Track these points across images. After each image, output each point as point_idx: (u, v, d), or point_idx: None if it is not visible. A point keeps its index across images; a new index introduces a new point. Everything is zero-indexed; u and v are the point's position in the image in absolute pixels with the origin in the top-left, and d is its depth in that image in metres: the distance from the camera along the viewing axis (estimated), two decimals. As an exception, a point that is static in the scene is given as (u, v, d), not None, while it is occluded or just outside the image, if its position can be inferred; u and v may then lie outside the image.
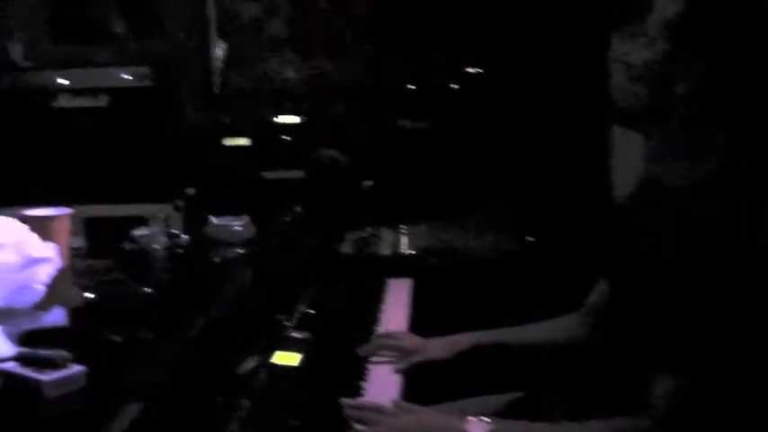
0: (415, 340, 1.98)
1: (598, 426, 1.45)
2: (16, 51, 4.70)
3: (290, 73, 4.80)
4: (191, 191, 3.30)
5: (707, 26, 1.44)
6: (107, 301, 1.99)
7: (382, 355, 1.95)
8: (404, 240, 2.90)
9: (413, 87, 4.24)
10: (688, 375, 1.37)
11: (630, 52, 1.50)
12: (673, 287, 1.39)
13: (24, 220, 1.88)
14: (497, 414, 1.71)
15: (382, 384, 1.82)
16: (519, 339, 1.91)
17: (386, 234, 2.94)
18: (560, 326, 1.87)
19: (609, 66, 1.55)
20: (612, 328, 1.60)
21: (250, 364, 1.69)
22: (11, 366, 1.33)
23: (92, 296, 2.03)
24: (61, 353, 1.32)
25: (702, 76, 1.44)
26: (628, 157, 1.99)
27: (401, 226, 3.01)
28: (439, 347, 1.93)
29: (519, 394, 1.85)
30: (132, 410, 1.23)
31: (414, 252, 2.80)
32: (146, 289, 2.11)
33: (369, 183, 3.59)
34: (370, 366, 1.90)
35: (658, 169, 1.54)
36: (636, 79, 1.50)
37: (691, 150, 1.48)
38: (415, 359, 1.91)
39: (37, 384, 1.27)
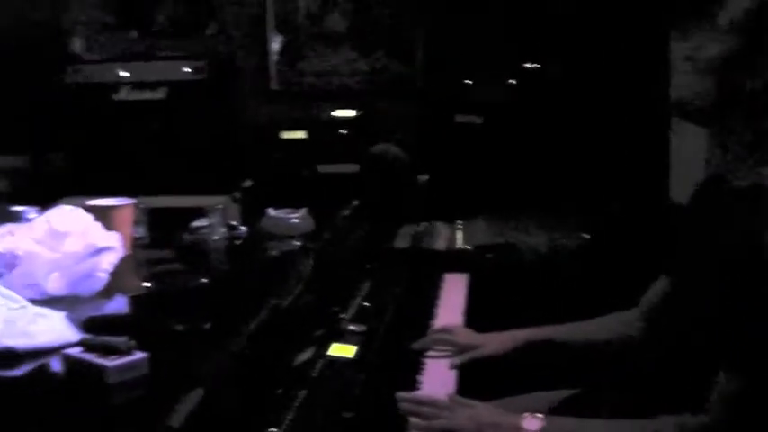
0: (470, 336, 1.98)
1: (654, 423, 1.44)
2: (79, 45, 4.79)
3: (347, 68, 4.82)
4: (249, 183, 3.33)
5: None
6: (166, 290, 2.03)
7: (437, 350, 1.95)
8: (459, 235, 2.89)
9: (470, 83, 4.23)
10: (750, 375, 1.36)
11: (700, 47, 1.48)
12: (738, 287, 1.38)
13: (89, 210, 1.93)
14: (551, 410, 1.70)
15: (438, 379, 1.82)
16: (573, 336, 1.90)
17: (441, 229, 2.93)
18: (615, 323, 1.86)
19: (672, 61, 1.54)
20: (672, 326, 1.59)
21: (306, 354, 1.71)
22: (76, 352, 1.36)
23: (152, 285, 2.07)
24: (125, 339, 1.34)
25: None
26: (689, 154, 1.96)
27: (457, 221, 3.00)
28: (494, 343, 1.93)
29: (573, 391, 1.84)
30: (192, 397, 1.25)
31: (469, 247, 2.80)
32: (204, 279, 2.15)
33: (425, 177, 3.59)
34: (425, 360, 1.90)
35: (723, 167, 1.52)
36: (704, 73, 1.48)
37: (757, 148, 1.47)
38: (471, 355, 1.91)
39: (101, 370, 1.29)
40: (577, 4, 3.84)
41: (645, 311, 1.78)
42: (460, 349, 1.93)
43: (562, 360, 1.93)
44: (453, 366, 1.88)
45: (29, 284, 1.75)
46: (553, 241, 3.25)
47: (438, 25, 4.47)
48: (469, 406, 1.58)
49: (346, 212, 2.60)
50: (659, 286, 1.73)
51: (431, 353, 1.94)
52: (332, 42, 4.84)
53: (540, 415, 1.50)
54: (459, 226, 2.96)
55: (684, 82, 1.51)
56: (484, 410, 1.58)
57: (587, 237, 3.22)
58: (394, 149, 2.82)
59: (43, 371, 1.42)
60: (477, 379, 1.86)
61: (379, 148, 2.86)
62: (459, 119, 4.17)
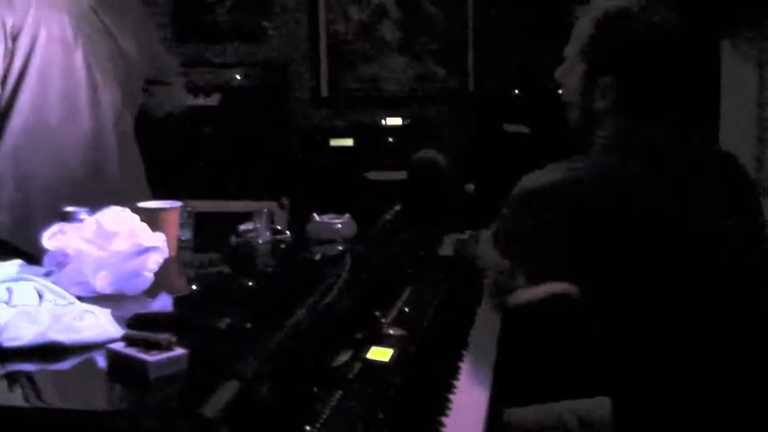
0: None
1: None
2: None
3: (397, 75, 4.85)
4: (296, 188, 3.37)
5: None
6: (211, 291, 2.07)
7: None
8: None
9: (518, 92, 4.23)
10: None
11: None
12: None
13: (136, 212, 1.97)
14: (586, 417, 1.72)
15: (473, 384, 1.84)
16: None
17: (485, 237, 2.94)
18: None
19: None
20: None
21: (345, 356, 1.74)
22: (119, 347, 1.40)
23: (196, 286, 2.12)
24: (166, 336, 1.38)
25: None
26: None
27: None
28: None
29: (607, 399, 1.83)
30: (231, 394, 1.28)
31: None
32: (249, 282, 2.18)
33: (471, 185, 3.60)
34: (461, 365, 1.92)
35: None
36: None
37: None
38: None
39: (143, 364, 1.33)
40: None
41: None
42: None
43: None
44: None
45: (77, 282, 1.80)
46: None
47: (488, 33, 4.48)
48: None
49: (390, 218, 2.62)
50: None
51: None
52: (382, 50, 4.87)
53: None
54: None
55: None
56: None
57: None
58: (439, 156, 2.83)
59: (88, 365, 1.47)
60: (512, 384, 1.87)
61: (423, 153, 2.88)
62: (508, 127, 4.17)
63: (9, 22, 2.49)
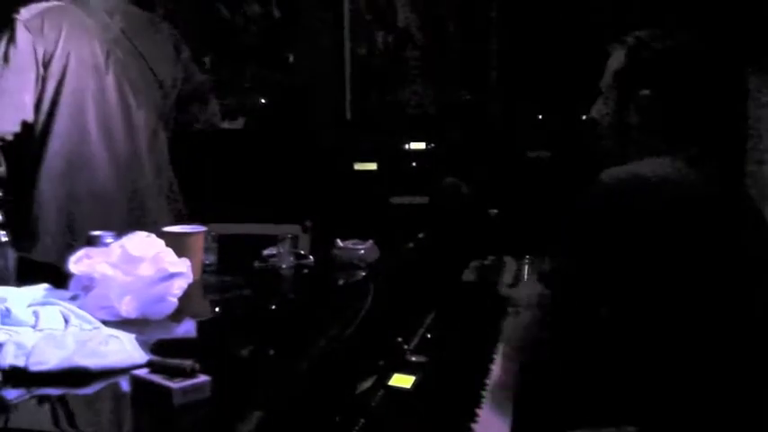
0: None
1: None
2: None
3: (421, 100, 4.87)
4: (319, 211, 3.38)
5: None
6: (234, 316, 2.08)
7: None
8: (526, 270, 2.89)
9: (542, 117, 4.23)
10: None
11: None
12: None
13: (162, 236, 1.99)
14: None
15: (496, 412, 1.83)
16: None
17: (509, 263, 2.94)
18: None
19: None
20: None
21: (368, 383, 1.74)
22: (143, 373, 1.41)
23: (220, 310, 2.13)
24: (191, 362, 1.38)
25: None
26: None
27: (525, 256, 3.00)
28: None
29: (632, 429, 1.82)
30: (254, 421, 1.29)
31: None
32: (272, 307, 2.19)
33: (494, 210, 3.60)
34: (484, 394, 1.92)
35: None
36: None
37: None
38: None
39: (166, 391, 1.34)
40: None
41: None
42: None
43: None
44: None
45: (103, 306, 1.81)
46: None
47: (513, 59, 4.49)
48: None
49: (413, 244, 2.63)
50: None
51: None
52: (406, 74, 4.89)
53: None
54: (526, 261, 2.96)
55: None
56: None
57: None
58: (463, 185, 2.85)
59: (112, 390, 1.48)
60: (535, 414, 1.86)
61: (447, 182, 2.89)
62: (531, 153, 4.17)
63: (41, 50, 2.55)
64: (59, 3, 2.64)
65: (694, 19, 3.59)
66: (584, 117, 2.04)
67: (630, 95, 1.92)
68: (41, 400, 1.46)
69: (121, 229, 2.04)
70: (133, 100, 2.72)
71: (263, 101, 4.65)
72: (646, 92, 1.89)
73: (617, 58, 1.95)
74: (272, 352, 1.68)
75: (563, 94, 4.12)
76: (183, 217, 2.79)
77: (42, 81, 2.57)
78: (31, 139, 2.59)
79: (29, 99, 2.57)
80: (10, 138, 2.57)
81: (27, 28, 2.55)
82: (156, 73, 2.79)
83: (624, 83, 1.93)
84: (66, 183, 2.61)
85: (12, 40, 2.53)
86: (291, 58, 4.91)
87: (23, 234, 2.54)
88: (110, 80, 2.67)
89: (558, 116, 4.17)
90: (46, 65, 2.56)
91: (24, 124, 2.57)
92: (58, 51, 2.57)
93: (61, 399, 1.47)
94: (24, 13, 2.57)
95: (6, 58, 2.53)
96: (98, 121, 2.65)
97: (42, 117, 2.59)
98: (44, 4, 2.62)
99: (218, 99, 3.40)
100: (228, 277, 2.34)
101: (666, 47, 1.88)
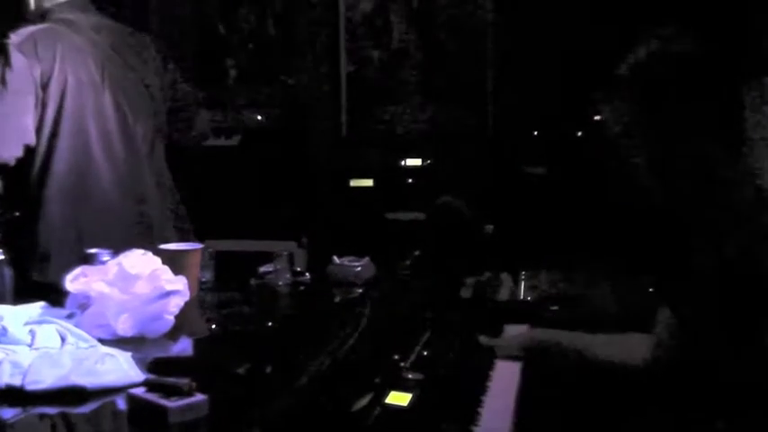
0: None
1: None
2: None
3: (417, 117, 4.88)
4: (315, 228, 3.39)
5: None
6: (232, 333, 2.08)
7: None
8: (523, 287, 2.89)
9: (537, 134, 4.24)
10: None
11: None
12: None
13: (158, 254, 1.99)
14: None
15: (493, 427, 1.83)
16: (583, 344, 1.93)
17: (506, 280, 2.94)
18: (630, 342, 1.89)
19: None
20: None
21: (364, 401, 1.73)
22: (139, 392, 1.41)
23: (217, 328, 2.13)
24: (187, 381, 1.38)
25: None
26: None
27: (521, 272, 3.01)
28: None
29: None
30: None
31: (532, 299, 2.80)
32: (269, 324, 2.19)
33: (490, 227, 3.61)
34: (481, 411, 1.91)
35: None
36: None
37: None
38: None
39: (163, 410, 1.34)
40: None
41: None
42: None
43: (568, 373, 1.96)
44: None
45: (99, 325, 1.81)
46: (620, 296, 3.22)
47: (509, 76, 4.50)
48: None
49: (409, 260, 2.64)
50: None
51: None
52: (403, 91, 4.90)
53: None
54: (523, 277, 2.96)
55: None
56: None
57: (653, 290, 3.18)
58: (458, 203, 2.85)
59: (108, 409, 1.48)
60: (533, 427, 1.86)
61: (444, 200, 2.90)
62: (527, 169, 4.18)
63: (37, 73, 2.56)
64: (47, 25, 2.64)
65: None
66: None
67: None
68: (37, 419, 1.46)
69: (129, 243, 2.04)
70: (130, 113, 2.73)
71: (258, 118, 4.66)
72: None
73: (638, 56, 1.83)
74: (269, 369, 1.68)
75: (560, 110, 4.14)
76: (186, 232, 2.81)
77: (42, 104, 2.58)
78: (33, 162, 2.60)
79: (30, 123, 2.57)
80: (13, 163, 2.57)
81: (21, 52, 2.54)
82: (148, 85, 2.82)
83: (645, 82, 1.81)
84: (73, 201, 2.61)
85: (7, 64, 2.53)
86: (288, 78, 4.93)
87: (35, 257, 2.55)
88: (107, 96, 2.68)
89: (554, 131, 4.18)
90: (44, 87, 2.57)
91: (27, 148, 2.58)
92: (56, 73, 2.58)
93: (57, 418, 1.47)
94: (15, 38, 2.56)
95: (4, 83, 2.53)
96: (99, 138, 2.66)
97: (44, 140, 2.59)
98: (32, 27, 2.61)
99: (213, 115, 3.42)
100: (225, 294, 2.34)
101: (670, 43, 1.79)
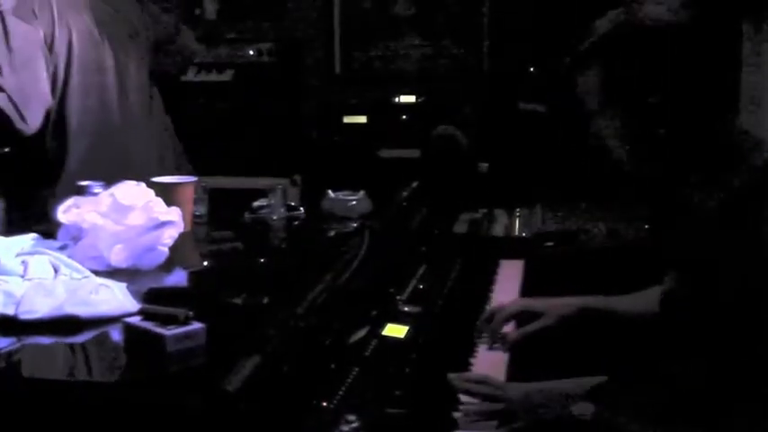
0: (526, 303, 1.99)
1: None
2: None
3: (412, 53, 4.82)
4: (309, 165, 3.36)
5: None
6: (226, 267, 2.06)
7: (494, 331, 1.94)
8: (518, 223, 2.88)
9: (533, 70, 4.20)
10: None
11: None
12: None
13: (151, 186, 1.96)
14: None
15: (489, 362, 1.83)
16: (627, 308, 1.89)
17: (500, 216, 2.93)
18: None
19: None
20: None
21: (361, 333, 1.73)
22: (135, 320, 1.39)
23: (211, 262, 2.11)
24: (183, 310, 1.36)
25: None
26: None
27: (516, 208, 2.99)
28: (549, 315, 1.91)
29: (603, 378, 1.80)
30: (247, 369, 1.28)
31: (527, 235, 2.79)
32: (263, 258, 2.18)
33: (485, 164, 3.59)
34: (477, 342, 1.91)
35: None
36: None
37: None
38: (524, 331, 1.91)
39: (160, 338, 1.32)
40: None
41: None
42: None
43: (612, 332, 1.93)
44: (509, 343, 1.89)
45: (92, 256, 1.79)
46: (614, 231, 3.21)
47: (504, 11, 4.45)
48: (519, 386, 1.59)
49: (405, 194, 2.61)
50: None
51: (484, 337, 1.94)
52: (397, 28, 4.84)
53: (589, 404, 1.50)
54: (517, 213, 2.95)
55: None
56: (536, 394, 1.58)
57: (647, 227, 3.17)
58: (457, 132, 2.82)
59: (104, 338, 1.46)
60: (528, 363, 1.86)
61: (442, 128, 2.87)
62: (523, 106, 4.15)
63: (41, 35, 2.52)
64: None
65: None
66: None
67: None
68: (32, 348, 1.45)
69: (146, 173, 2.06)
70: (122, 55, 2.72)
71: (251, 53, 4.60)
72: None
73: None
74: (265, 300, 1.67)
75: (556, 47, 4.08)
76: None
77: (54, 65, 2.55)
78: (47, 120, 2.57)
79: (47, 87, 2.55)
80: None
81: (20, 17, 2.49)
82: (130, 22, 2.79)
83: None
84: (92, 152, 2.61)
85: (7, 32, 2.47)
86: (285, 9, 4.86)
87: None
88: (105, 46, 2.67)
89: (550, 68, 4.14)
90: (50, 47, 2.54)
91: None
92: (57, 31, 2.54)
93: (52, 347, 1.46)
94: (7, 3, 2.49)
95: (11, 52, 2.47)
96: (105, 89, 2.64)
97: (58, 97, 2.57)
98: None
99: (203, 54, 3.39)
100: (219, 229, 2.32)
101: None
